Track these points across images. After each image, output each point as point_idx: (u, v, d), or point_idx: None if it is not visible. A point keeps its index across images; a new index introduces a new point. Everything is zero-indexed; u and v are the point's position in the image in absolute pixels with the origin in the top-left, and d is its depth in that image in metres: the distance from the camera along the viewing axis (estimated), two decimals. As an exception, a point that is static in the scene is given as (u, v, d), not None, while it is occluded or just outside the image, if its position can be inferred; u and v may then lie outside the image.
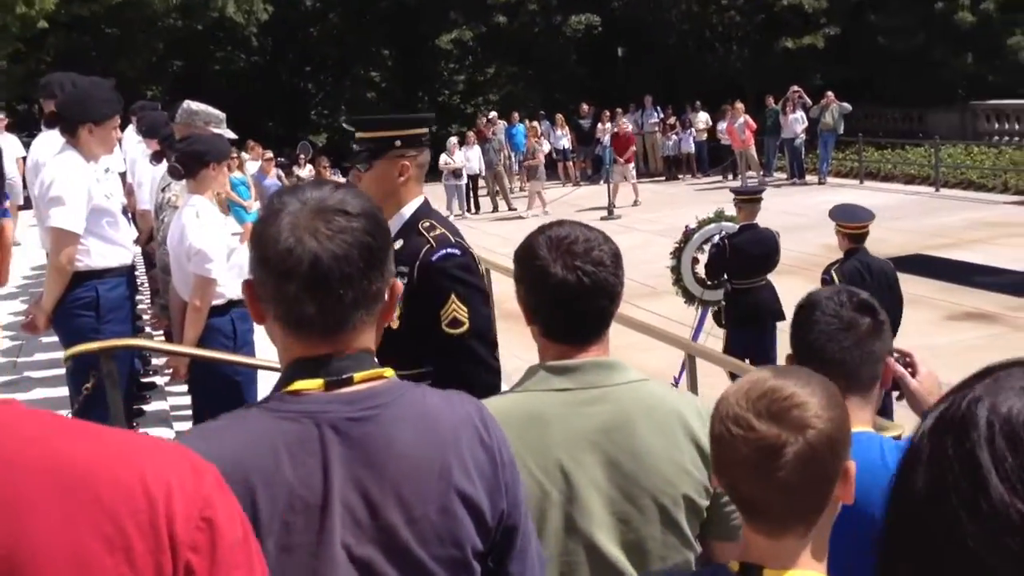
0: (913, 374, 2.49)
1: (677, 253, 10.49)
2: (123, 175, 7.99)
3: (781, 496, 1.64)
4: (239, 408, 1.72)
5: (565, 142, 27.96)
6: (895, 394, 2.51)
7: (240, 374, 5.45)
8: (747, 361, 8.58)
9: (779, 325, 9.06)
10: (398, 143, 3.54)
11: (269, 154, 19.41)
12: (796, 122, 24.78)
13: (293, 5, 36.59)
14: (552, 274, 2.18)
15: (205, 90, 24.54)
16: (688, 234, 10.56)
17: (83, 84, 6.39)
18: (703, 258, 10.07)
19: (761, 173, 25.16)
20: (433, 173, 25.09)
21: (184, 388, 6.30)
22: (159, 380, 7.98)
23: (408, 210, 3.56)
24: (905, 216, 19.04)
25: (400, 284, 1.80)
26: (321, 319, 1.66)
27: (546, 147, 26.58)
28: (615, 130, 24.37)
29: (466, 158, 24.46)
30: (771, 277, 9.41)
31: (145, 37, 31.67)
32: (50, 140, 6.23)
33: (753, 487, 1.66)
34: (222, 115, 6.54)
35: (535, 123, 27.32)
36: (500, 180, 25.02)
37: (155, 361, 8.11)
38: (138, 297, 7.86)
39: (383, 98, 37.78)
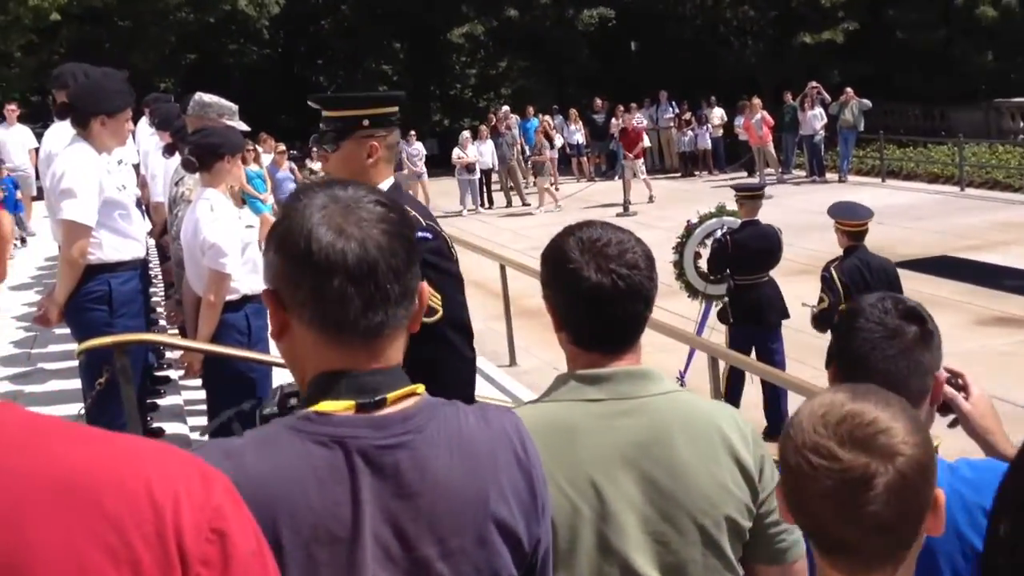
0: (966, 396, 2.35)
1: (679, 247, 10.50)
2: (136, 167, 7.94)
3: (871, 532, 1.50)
4: (264, 425, 1.62)
5: (579, 137, 27.76)
6: (949, 418, 2.37)
7: (254, 371, 5.39)
8: (752, 357, 8.59)
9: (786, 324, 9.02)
10: (366, 122, 3.43)
11: (282, 147, 19.36)
12: (815, 118, 24.44)
13: (304, -1, 36.59)
14: (585, 278, 2.08)
15: (217, 82, 24.52)
16: (690, 228, 10.58)
17: (95, 75, 6.34)
18: (705, 252, 10.05)
19: (780, 170, 24.93)
20: (446, 167, 25.23)
21: (199, 383, 6.26)
22: (173, 374, 7.95)
23: None
24: (929, 216, 18.77)
25: (427, 286, 1.68)
26: (365, 319, 1.55)
27: (559, 142, 26.45)
28: (623, 125, 24.15)
29: (479, 152, 24.37)
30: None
31: (158, 30, 31.76)
32: (62, 131, 6.18)
33: (840, 524, 1.51)
34: (234, 107, 6.48)
35: (547, 118, 27.21)
36: (513, 175, 24.88)
37: (169, 355, 8.08)
38: (152, 289, 7.83)
39: (395, 90, 37.64)
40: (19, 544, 1.03)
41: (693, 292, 10.34)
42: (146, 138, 8.60)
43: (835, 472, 1.49)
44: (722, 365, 7.69)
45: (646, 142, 24.52)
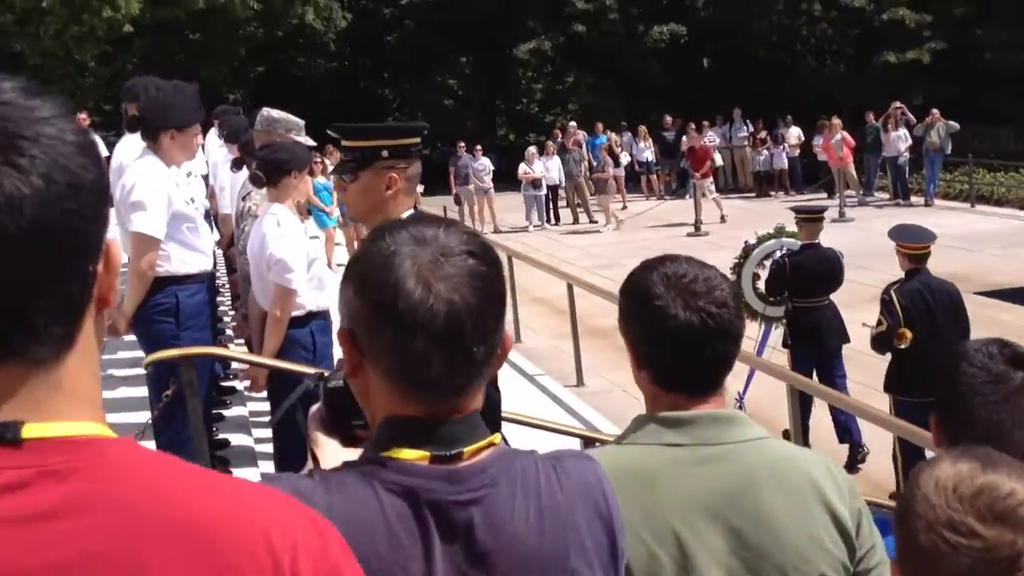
0: None
1: (737, 268, 10.41)
2: (205, 178, 7.99)
3: None
4: (335, 468, 1.54)
5: (648, 154, 27.51)
6: None
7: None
8: (814, 379, 8.53)
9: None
10: (385, 153, 3.37)
11: (348, 160, 19.42)
12: (899, 140, 23.70)
13: (371, 13, 36.95)
14: (672, 316, 1.98)
15: (284, 94, 24.82)
16: (748, 249, 10.52)
17: (166, 89, 6.37)
18: (764, 274, 10.00)
19: (861, 192, 24.31)
20: (510, 182, 25.18)
21: (264, 394, 6.27)
22: (239, 384, 7.96)
23: None
24: (1020, 244, 18.04)
25: (511, 336, 1.61)
26: (447, 379, 1.47)
27: (624, 160, 26.23)
28: (690, 144, 23.72)
29: (545, 168, 24.24)
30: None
31: (227, 43, 32.31)
32: (132, 144, 6.22)
33: None
34: (301, 122, 6.49)
35: (612, 135, 27.04)
36: (581, 191, 24.60)
37: (235, 365, 8.10)
38: (219, 299, 7.85)
39: (461, 105, 37.88)
40: None
41: (752, 313, 10.19)
42: (215, 149, 8.67)
43: (977, 551, 1.40)
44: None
45: (718, 160, 24.13)
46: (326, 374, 1.81)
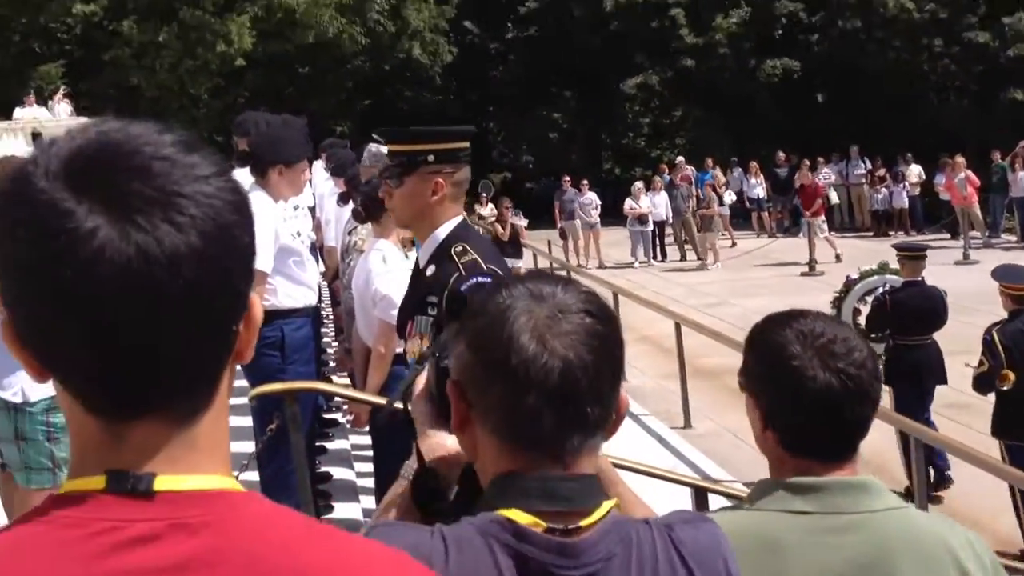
0: None
1: (837, 303, 10.59)
2: (312, 210, 8.03)
3: None
4: (455, 523, 1.48)
5: (760, 191, 27.04)
6: None
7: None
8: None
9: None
10: (431, 158, 3.28)
11: (452, 192, 19.49)
12: (1027, 180, 22.86)
13: (478, 47, 37.32)
14: (811, 378, 1.87)
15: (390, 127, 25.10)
16: (849, 284, 10.68)
17: (276, 124, 6.41)
18: (865, 309, 10.07)
19: (987, 233, 23.42)
20: (615, 217, 25.04)
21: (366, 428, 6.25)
22: (341, 417, 7.96)
23: (443, 232, 3.31)
24: None
25: (627, 398, 1.53)
26: (559, 439, 1.43)
27: (728, 197, 25.86)
28: (801, 181, 23.18)
29: (652, 204, 24.02)
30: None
31: (336, 76, 32.96)
32: (241, 178, 6.22)
33: None
34: None
35: (717, 171, 26.70)
36: (688, 228, 24.24)
37: (337, 398, 8.11)
38: (323, 329, 7.85)
39: (566, 139, 37.96)
40: None
41: None
42: (322, 182, 8.75)
43: None
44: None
45: (834, 198, 23.64)
46: (439, 352, 1.73)
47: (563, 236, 24.10)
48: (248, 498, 1.05)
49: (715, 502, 5.65)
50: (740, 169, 27.99)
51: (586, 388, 1.41)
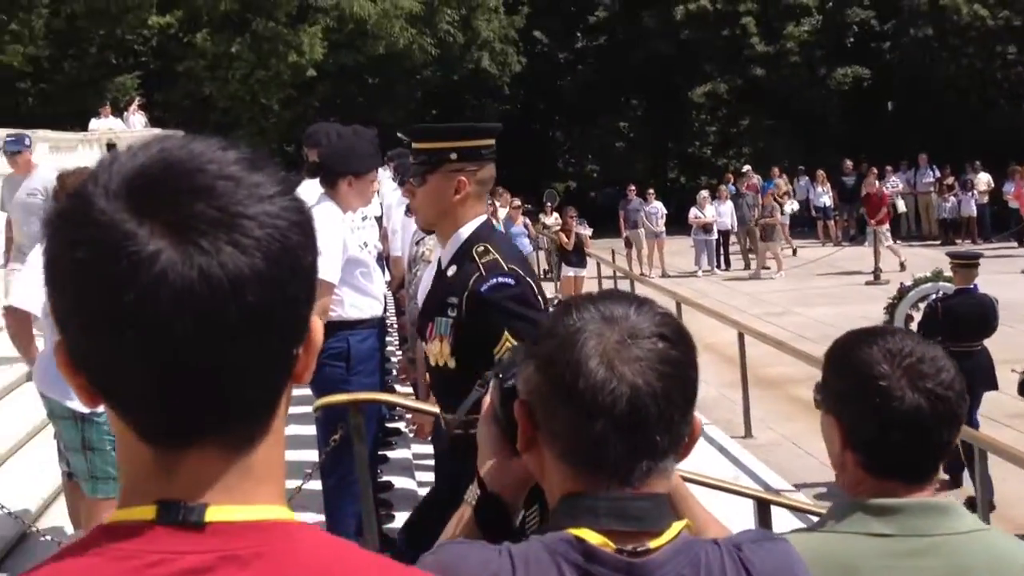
0: None
1: (890, 309, 10.75)
2: (379, 219, 8.11)
3: None
4: (524, 542, 1.46)
5: (826, 199, 26.76)
6: None
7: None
8: None
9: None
10: (454, 156, 3.23)
11: (517, 202, 19.57)
12: (1098, 189, 22.32)
13: (547, 57, 37.32)
14: (899, 398, 1.80)
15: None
16: (902, 291, 10.83)
17: (347, 135, 6.47)
18: (918, 316, 10.16)
19: (1055, 242, 23.01)
20: (681, 226, 24.93)
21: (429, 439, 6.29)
22: (403, 427, 8.01)
23: (466, 231, 3.27)
24: None
25: (700, 421, 1.49)
26: (625, 465, 1.39)
27: (789, 207, 25.63)
28: (867, 190, 22.90)
29: (717, 213, 23.92)
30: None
31: (405, 87, 33.18)
32: (311, 189, 6.33)
33: None
34: None
35: (780, 180, 26.46)
36: (753, 237, 24.07)
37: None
38: (387, 339, 7.92)
39: (630, 148, 37.83)
40: None
41: None
42: (389, 192, 8.77)
43: None
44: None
45: (901, 207, 23.32)
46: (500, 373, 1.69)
47: (628, 245, 24.06)
48: (302, 529, 1.01)
49: (778, 514, 5.62)
50: (807, 177, 27.75)
51: (655, 416, 1.37)
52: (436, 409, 5.41)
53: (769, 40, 32.66)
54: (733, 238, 24.71)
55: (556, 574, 1.38)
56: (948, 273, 10.18)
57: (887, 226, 22.24)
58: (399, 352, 8.81)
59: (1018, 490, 8.22)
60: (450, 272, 3.29)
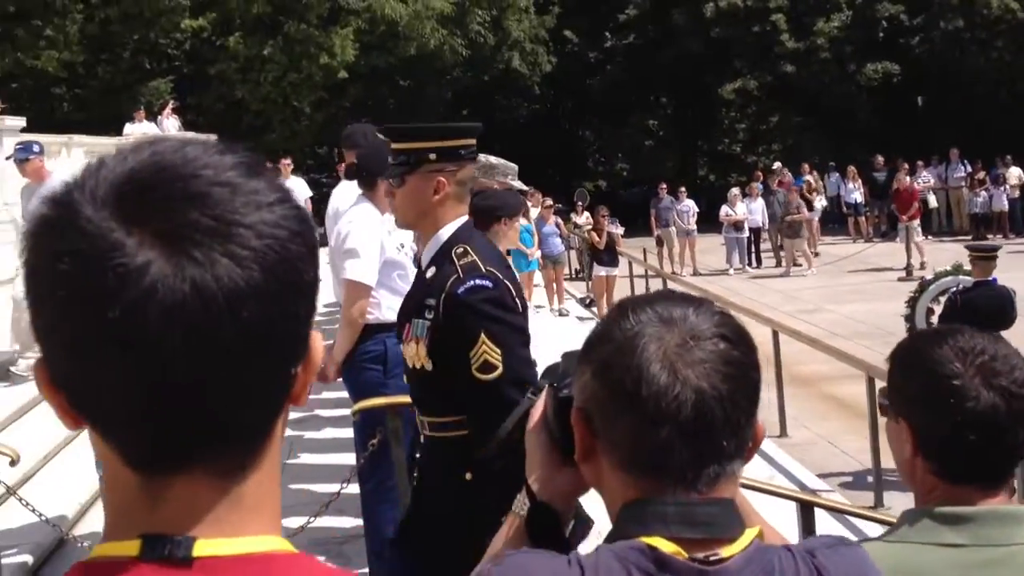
0: None
1: (912, 303, 10.78)
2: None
3: None
4: (593, 551, 1.40)
5: (857, 196, 26.59)
6: None
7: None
8: None
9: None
10: (433, 156, 3.21)
11: (548, 201, 19.53)
12: None
13: (577, 56, 37.31)
14: (974, 398, 1.72)
15: (486, 137, 25.28)
16: (923, 285, 10.94)
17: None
18: (938, 308, 10.30)
19: (1088, 236, 22.74)
20: (712, 224, 24.84)
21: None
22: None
23: (446, 232, 3.24)
24: None
25: (762, 426, 1.42)
26: (691, 472, 1.33)
27: (818, 203, 25.49)
28: (897, 185, 22.81)
29: (749, 210, 23.82)
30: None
31: (436, 88, 33.20)
32: (348, 190, 6.34)
33: None
34: (516, 167, 6.51)
35: (810, 178, 26.32)
36: (784, 234, 24.10)
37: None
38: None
39: (660, 146, 37.75)
40: None
41: None
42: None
43: None
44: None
45: (932, 202, 23.12)
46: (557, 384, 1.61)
47: (659, 243, 24.00)
48: (297, 560, 0.94)
49: (819, 515, 5.57)
50: (837, 174, 27.61)
51: (722, 420, 1.32)
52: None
53: (799, 36, 32.51)
54: (764, 235, 24.59)
55: None
56: (968, 267, 10.28)
57: (917, 221, 22.11)
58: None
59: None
60: (429, 273, 3.28)
